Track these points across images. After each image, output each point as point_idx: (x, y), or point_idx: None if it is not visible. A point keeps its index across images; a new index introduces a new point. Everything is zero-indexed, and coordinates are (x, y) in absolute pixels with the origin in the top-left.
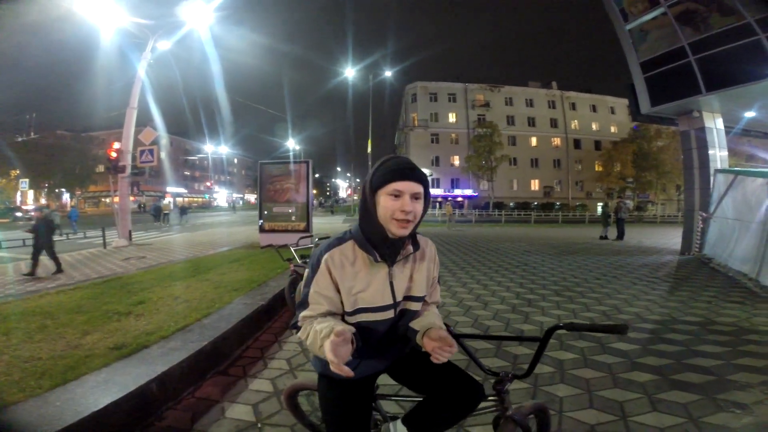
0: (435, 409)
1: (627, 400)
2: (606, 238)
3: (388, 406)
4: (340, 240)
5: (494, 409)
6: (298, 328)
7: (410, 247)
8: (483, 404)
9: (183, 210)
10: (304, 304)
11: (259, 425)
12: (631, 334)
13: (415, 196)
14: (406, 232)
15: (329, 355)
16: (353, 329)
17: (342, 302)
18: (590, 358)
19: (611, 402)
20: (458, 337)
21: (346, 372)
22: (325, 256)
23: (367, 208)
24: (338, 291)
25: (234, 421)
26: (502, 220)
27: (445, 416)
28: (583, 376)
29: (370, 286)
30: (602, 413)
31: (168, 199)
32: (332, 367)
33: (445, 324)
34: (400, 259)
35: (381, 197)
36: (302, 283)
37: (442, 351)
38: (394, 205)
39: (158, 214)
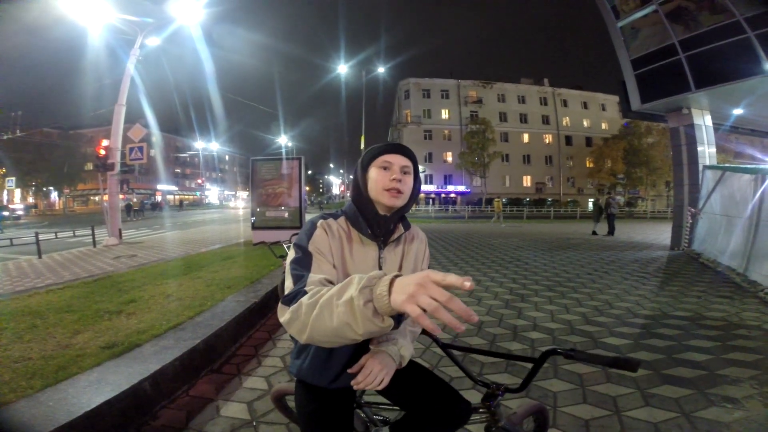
0: (418, 424)
1: (620, 395)
2: (596, 233)
3: (377, 409)
4: (334, 215)
5: (485, 420)
6: (301, 295)
7: (401, 227)
8: (474, 415)
9: (154, 206)
10: (308, 265)
11: (255, 423)
12: (623, 328)
13: (404, 170)
14: (397, 202)
15: (412, 287)
16: None
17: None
18: None
19: (604, 397)
20: (446, 348)
21: (468, 312)
22: (320, 222)
23: (358, 186)
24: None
25: (229, 420)
26: (495, 216)
27: (430, 431)
28: (576, 371)
29: (359, 266)
30: (596, 408)
31: (159, 197)
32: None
33: (427, 333)
34: (392, 241)
35: (372, 171)
36: (291, 253)
37: (360, 379)
38: (385, 175)
39: (129, 211)
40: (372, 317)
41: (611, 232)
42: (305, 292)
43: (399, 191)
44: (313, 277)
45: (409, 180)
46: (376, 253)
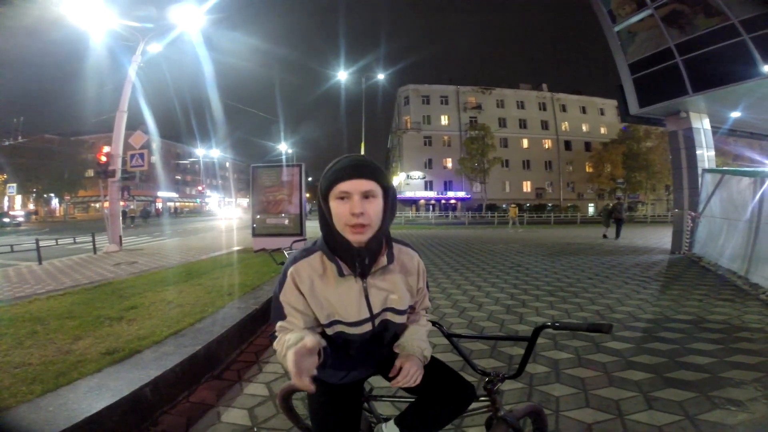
0: (426, 409)
1: (622, 398)
2: (607, 237)
3: (383, 408)
4: (308, 251)
5: (486, 409)
6: (275, 338)
7: (384, 260)
8: (475, 405)
9: (147, 213)
10: (281, 315)
11: (255, 429)
12: (625, 332)
13: (365, 195)
14: (362, 237)
15: (290, 365)
16: (324, 343)
17: (315, 315)
18: (585, 357)
19: (607, 401)
20: (450, 337)
21: (306, 386)
22: (291, 269)
23: (324, 218)
24: (309, 305)
25: (230, 426)
26: (495, 222)
27: (436, 416)
28: (579, 375)
29: (342, 301)
30: (598, 412)
31: (159, 204)
32: (293, 379)
33: (437, 324)
34: (375, 271)
35: (331, 203)
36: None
37: (399, 379)
38: (344, 209)
39: (124, 217)
40: None
41: (617, 235)
42: (276, 337)
43: (363, 225)
44: (282, 325)
45: (375, 205)
46: (359, 284)
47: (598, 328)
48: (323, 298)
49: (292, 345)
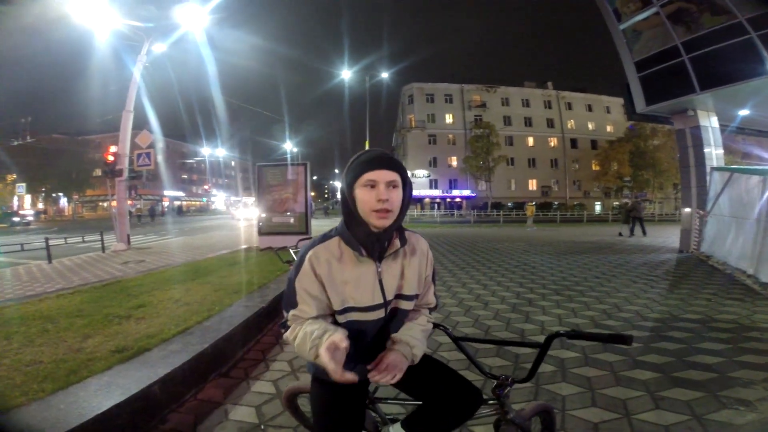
0: (433, 414)
1: (629, 398)
2: (622, 234)
3: (388, 408)
4: (325, 237)
5: (494, 412)
6: (287, 328)
7: (397, 242)
8: (483, 408)
9: (154, 212)
10: (293, 303)
11: (263, 427)
12: (632, 331)
13: (390, 184)
14: (387, 222)
15: (328, 364)
16: (346, 332)
17: (330, 300)
18: (591, 357)
19: (614, 400)
20: (457, 340)
21: (350, 379)
22: (309, 254)
23: (347, 205)
24: (325, 290)
25: (237, 423)
26: (501, 220)
27: (443, 422)
28: (585, 374)
29: (358, 284)
30: (605, 411)
31: (165, 203)
32: (333, 376)
33: (443, 326)
34: (389, 255)
35: (357, 191)
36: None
37: (375, 373)
38: (371, 195)
39: (131, 216)
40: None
41: (631, 233)
42: (288, 327)
43: (387, 211)
44: (294, 313)
45: (397, 194)
46: (374, 268)
47: (618, 339)
48: (340, 281)
49: (318, 339)
